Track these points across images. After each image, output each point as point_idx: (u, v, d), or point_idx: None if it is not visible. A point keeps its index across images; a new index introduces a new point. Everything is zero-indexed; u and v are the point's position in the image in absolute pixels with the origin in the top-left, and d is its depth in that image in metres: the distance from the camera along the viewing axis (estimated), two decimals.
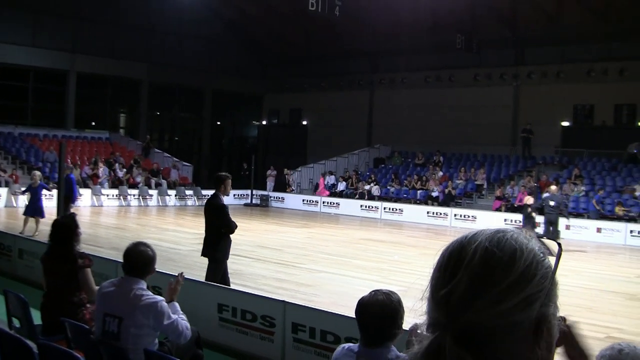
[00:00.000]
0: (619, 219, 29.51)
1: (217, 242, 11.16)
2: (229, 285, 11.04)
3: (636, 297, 15.12)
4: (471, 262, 1.31)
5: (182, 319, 6.07)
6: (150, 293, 5.98)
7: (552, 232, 23.21)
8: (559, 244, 1.50)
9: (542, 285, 1.32)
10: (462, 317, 1.29)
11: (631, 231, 28.20)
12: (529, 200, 25.71)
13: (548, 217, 23.53)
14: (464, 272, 1.31)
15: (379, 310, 3.91)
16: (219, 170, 48.07)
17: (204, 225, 11.34)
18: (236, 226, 11.25)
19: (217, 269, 11.15)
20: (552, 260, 1.38)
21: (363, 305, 4.03)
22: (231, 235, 11.25)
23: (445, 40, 38.37)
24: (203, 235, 11.37)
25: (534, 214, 24.15)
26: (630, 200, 30.62)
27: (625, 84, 36.33)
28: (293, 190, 40.99)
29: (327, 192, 39.14)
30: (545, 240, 1.45)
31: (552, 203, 23.56)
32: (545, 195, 24.90)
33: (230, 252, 11.41)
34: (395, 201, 36.51)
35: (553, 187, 25.68)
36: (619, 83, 36.54)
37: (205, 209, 11.47)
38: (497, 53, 40.51)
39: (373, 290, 4.15)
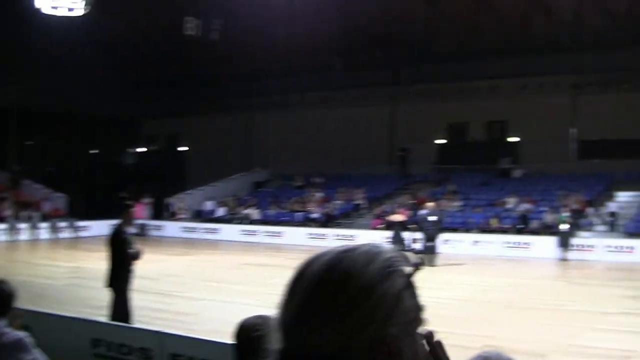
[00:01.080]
0: (493, 231, 30.32)
1: (120, 273, 10.88)
2: (132, 315, 10.88)
3: (511, 306, 15.47)
4: (303, 288, 1.29)
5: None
6: (10, 330, 5.65)
7: (429, 248, 23.67)
8: (421, 261, 1.39)
9: (381, 306, 1.26)
10: (293, 341, 1.27)
11: (505, 242, 29.04)
12: (398, 217, 25.99)
13: (426, 233, 23.94)
14: (297, 295, 1.29)
15: (255, 332, 3.79)
16: (94, 200, 46.76)
17: (108, 256, 11.12)
18: (139, 254, 11.13)
19: (122, 300, 10.92)
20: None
21: (241, 327, 3.93)
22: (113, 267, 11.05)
23: (322, 62, 38.65)
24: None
25: (405, 232, 24.50)
26: (503, 213, 31.56)
27: (496, 101, 37.52)
28: (184, 217, 40.04)
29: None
30: (409, 254, 1.35)
31: (432, 218, 24.01)
32: (422, 212, 25.33)
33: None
34: (275, 224, 36.32)
35: (431, 204, 26.26)
36: (490, 100, 37.68)
37: (109, 239, 11.20)
38: (374, 74, 41.00)
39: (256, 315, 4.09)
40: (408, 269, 1.33)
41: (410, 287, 1.32)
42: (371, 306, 1.25)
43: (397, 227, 25.06)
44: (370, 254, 1.30)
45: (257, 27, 37.52)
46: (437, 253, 24.00)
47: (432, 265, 22.88)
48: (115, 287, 11.01)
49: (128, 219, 11.09)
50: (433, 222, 24.04)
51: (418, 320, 1.33)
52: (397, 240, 24.72)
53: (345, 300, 1.24)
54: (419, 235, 25.00)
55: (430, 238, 23.89)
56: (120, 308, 10.71)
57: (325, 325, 1.24)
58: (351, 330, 1.24)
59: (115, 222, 11.96)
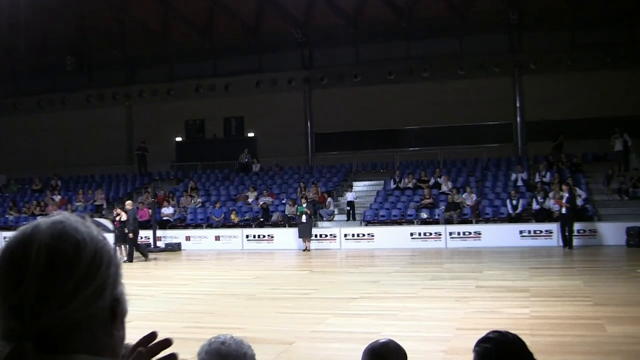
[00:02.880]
0: (235, 225, 30.28)
1: None
2: None
3: (255, 297, 15.27)
4: (37, 265, 1.24)
5: None
6: None
7: (138, 245, 25.28)
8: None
9: (109, 271, 1.31)
10: (37, 323, 1.22)
11: (247, 236, 29.10)
12: (124, 216, 25.38)
13: (124, 231, 24.65)
14: (31, 276, 1.24)
15: None
16: None
17: None
18: None
19: None
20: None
21: None
22: None
23: (55, 63, 37.17)
24: None
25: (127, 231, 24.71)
26: (244, 207, 31.60)
27: (232, 98, 37.68)
28: None
29: None
30: (99, 219, 1.09)
31: (124, 217, 24.77)
32: (128, 210, 25.40)
33: None
34: (15, 229, 33.85)
35: (129, 202, 26.41)
36: (226, 97, 37.78)
37: None
38: (108, 74, 40.13)
39: None
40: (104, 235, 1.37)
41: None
42: (105, 270, 1.30)
43: (121, 226, 24.72)
44: (80, 222, 1.34)
45: None
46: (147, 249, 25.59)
47: (130, 261, 24.22)
48: None
49: None
50: (132, 221, 24.78)
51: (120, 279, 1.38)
52: (121, 239, 24.66)
53: (85, 268, 1.27)
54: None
55: (121, 236, 24.65)
56: None
57: (73, 298, 1.24)
58: (96, 295, 1.27)
59: None
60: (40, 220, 1.35)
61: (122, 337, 1.37)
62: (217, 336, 2.88)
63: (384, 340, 3.58)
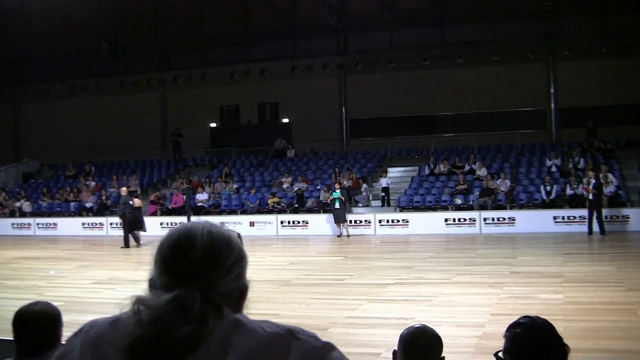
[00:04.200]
0: (270, 211, 30.40)
1: None
2: None
3: (289, 283, 15.38)
4: (202, 241, 1.67)
5: None
6: None
7: (135, 226, 25.65)
8: (239, 234, 1.82)
9: (245, 263, 1.77)
10: (202, 281, 1.64)
11: (282, 222, 29.22)
12: (136, 203, 26.21)
13: (123, 217, 25.44)
14: (199, 247, 1.66)
15: (38, 319, 3.69)
16: None
17: None
18: None
19: None
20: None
21: (20, 314, 3.75)
22: None
23: (90, 48, 37.35)
24: None
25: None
26: (279, 193, 31.72)
27: (267, 83, 37.74)
28: None
29: None
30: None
31: (130, 202, 25.45)
32: (121, 197, 26.30)
33: None
34: (49, 216, 34.49)
35: (124, 189, 27.29)
36: (261, 83, 37.85)
37: None
38: (143, 59, 40.31)
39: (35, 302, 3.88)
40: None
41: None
42: (244, 261, 1.77)
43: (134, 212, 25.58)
44: (216, 226, 1.77)
45: (19, 12, 35.31)
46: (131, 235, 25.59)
47: (127, 247, 25.09)
48: None
49: None
50: (130, 206, 25.37)
51: None
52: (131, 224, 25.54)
53: (236, 253, 1.73)
54: (119, 219, 26.53)
55: (130, 222, 25.37)
56: None
57: (228, 270, 1.69)
58: (239, 277, 1.73)
59: None
60: (196, 221, 1.77)
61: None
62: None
63: (419, 325, 3.64)
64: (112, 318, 1.70)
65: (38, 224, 33.77)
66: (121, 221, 26.02)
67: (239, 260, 1.73)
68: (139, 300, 1.63)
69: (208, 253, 1.66)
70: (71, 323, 3.57)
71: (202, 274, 1.64)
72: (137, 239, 25.64)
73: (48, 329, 3.75)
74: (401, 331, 3.63)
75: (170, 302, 1.59)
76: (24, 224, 34.05)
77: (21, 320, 3.72)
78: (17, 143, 44.54)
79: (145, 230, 26.09)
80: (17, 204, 35.78)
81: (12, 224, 34.22)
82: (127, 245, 25.29)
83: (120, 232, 26.53)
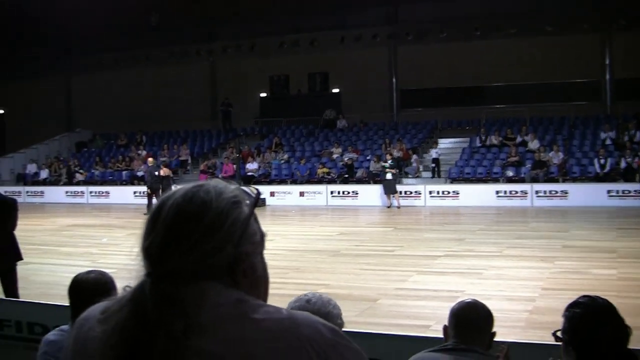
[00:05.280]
0: (319, 181, 30.43)
1: (13, 245, 9.53)
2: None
3: (339, 253, 15.42)
4: (166, 217, 1.48)
5: None
6: None
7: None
8: (257, 190, 1.60)
9: (233, 230, 1.48)
10: (162, 265, 1.46)
11: (332, 192, 29.23)
12: (163, 172, 26.92)
13: (152, 185, 26.25)
14: (160, 225, 1.48)
15: (92, 287, 3.87)
16: None
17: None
18: None
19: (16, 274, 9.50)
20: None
21: (76, 281, 3.98)
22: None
23: (140, 20, 37.51)
24: None
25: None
26: (329, 163, 31.73)
27: (317, 53, 37.60)
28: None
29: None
30: (246, 187, 1.59)
31: (155, 173, 26.45)
32: (145, 166, 27.79)
33: None
34: (101, 184, 35.08)
35: (151, 159, 28.39)
36: (310, 53, 37.72)
37: None
38: (192, 30, 40.31)
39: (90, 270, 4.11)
40: (250, 201, 1.56)
41: (253, 215, 1.56)
42: (227, 229, 1.47)
43: (160, 181, 26.37)
44: (218, 188, 1.53)
45: None
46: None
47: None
48: (14, 261, 9.66)
49: None
50: (155, 176, 26.37)
51: (263, 242, 1.59)
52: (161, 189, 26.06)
53: (205, 225, 1.46)
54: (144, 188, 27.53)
55: (155, 190, 25.89)
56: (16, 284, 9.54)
57: (191, 248, 1.45)
58: (213, 250, 1.46)
59: None
60: (190, 183, 1.56)
61: (252, 293, 1.52)
62: (304, 294, 2.97)
63: (470, 300, 3.62)
64: (101, 317, 1.56)
65: (91, 192, 34.32)
66: (147, 190, 26.89)
67: (212, 231, 1.46)
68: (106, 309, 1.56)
69: (168, 230, 1.47)
70: (124, 289, 3.82)
71: (160, 256, 1.47)
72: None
73: (102, 296, 3.79)
74: (451, 304, 3.62)
75: (129, 298, 1.50)
76: (77, 192, 34.64)
77: (77, 288, 3.89)
78: (70, 113, 45.15)
79: None
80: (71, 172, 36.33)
81: (66, 192, 34.86)
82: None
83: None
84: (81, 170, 36.34)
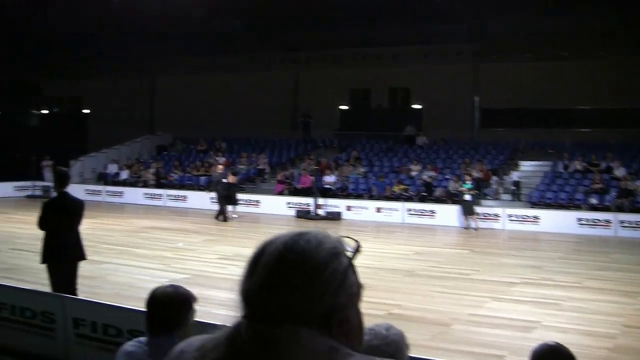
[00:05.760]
0: (396, 198, 30.18)
1: (78, 244, 9.95)
2: None
3: (414, 274, 15.25)
4: (267, 263, 1.53)
5: None
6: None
7: (230, 200, 27.96)
8: (357, 242, 1.59)
9: (332, 281, 1.51)
10: (260, 308, 1.50)
11: (408, 210, 28.93)
12: (230, 179, 28.45)
13: (218, 193, 27.71)
14: (260, 270, 1.53)
15: (166, 301, 4.01)
16: None
17: (69, 225, 9.89)
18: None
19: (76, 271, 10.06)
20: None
21: (154, 296, 4.09)
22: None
23: (226, 26, 37.99)
24: None
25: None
26: (407, 180, 31.47)
27: (399, 68, 37.45)
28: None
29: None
30: (346, 238, 1.61)
31: (224, 180, 27.78)
32: (215, 174, 29.53)
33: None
34: (179, 188, 35.49)
35: (220, 167, 30.06)
36: (393, 67, 37.60)
37: (69, 207, 9.90)
38: (277, 38, 40.62)
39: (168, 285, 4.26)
40: (350, 252, 1.58)
41: (352, 266, 1.58)
42: (325, 280, 1.51)
43: (228, 188, 27.97)
44: (319, 237, 1.56)
45: None
46: (227, 209, 27.81)
47: (225, 221, 27.09)
48: (81, 256, 10.03)
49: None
50: (224, 183, 27.66)
51: (359, 294, 1.62)
52: (226, 198, 27.71)
53: (305, 274, 1.50)
54: (213, 195, 28.73)
55: (223, 197, 27.47)
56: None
57: (289, 295, 1.49)
58: (311, 299, 1.49)
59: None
60: (290, 231, 1.60)
61: (345, 343, 1.53)
62: (376, 325, 2.93)
63: (553, 344, 3.45)
64: (197, 354, 1.61)
65: (168, 195, 34.77)
66: (215, 196, 27.93)
67: (310, 281, 1.51)
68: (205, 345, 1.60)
69: (268, 277, 1.52)
70: (196, 296, 4.02)
71: (258, 301, 1.52)
72: (225, 213, 27.63)
73: (180, 311, 4.02)
74: (527, 335, 3.49)
75: (225, 337, 1.55)
76: (155, 195, 35.14)
77: (155, 302, 4.00)
78: (152, 116, 45.97)
79: (236, 205, 28.54)
80: (150, 175, 36.87)
81: (144, 194, 35.39)
82: (221, 217, 27.45)
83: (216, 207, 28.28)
84: (173, 173, 36.82)
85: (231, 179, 28.30)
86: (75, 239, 9.97)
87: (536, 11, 34.22)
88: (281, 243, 1.54)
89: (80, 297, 9.29)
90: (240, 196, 31.54)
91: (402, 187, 30.62)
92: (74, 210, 9.95)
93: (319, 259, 1.51)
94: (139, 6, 36.39)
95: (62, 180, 10.02)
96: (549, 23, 34.26)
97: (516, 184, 29.89)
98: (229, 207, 27.96)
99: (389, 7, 36.30)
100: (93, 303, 8.63)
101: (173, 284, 4.23)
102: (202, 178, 35.67)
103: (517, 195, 29.57)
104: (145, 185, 36.24)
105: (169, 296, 4.01)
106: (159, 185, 35.89)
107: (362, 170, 33.34)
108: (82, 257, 10.10)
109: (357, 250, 1.59)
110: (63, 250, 9.80)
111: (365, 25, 37.70)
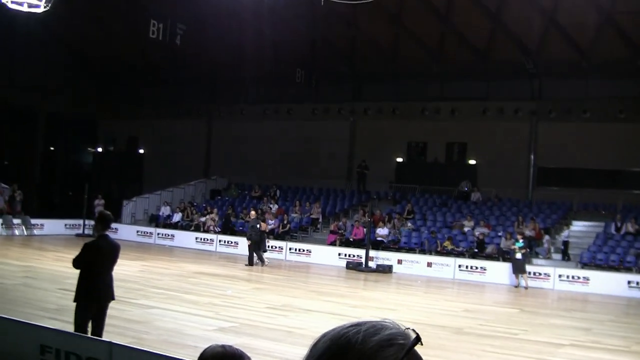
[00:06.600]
0: (448, 253, 30.34)
1: (111, 285, 10.34)
2: None
3: (462, 332, 15.42)
4: (317, 349, 1.54)
5: None
6: None
7: (260, 246, 28.66)
8: (416, 333, 1.52)
9: None
10: None
11: (459, 266, 29.07)
12: (262, 226, 29.55)
13: (251, 238, 28.44)
14: (310, 356, 1.55)
15: None
16: (50, 198, 45.88)
17: (105, 267, 10.30)
18: None
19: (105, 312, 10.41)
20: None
21: (201, 357, 3.80)
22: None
23: (285, 74, 38.57)
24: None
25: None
26: (459, 236, 31.62)
27: (457, 123, 37.68)
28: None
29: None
30: (408, 330, 1.54)
31: (257, 226, 28.56)
32: (249, 220, 30.37)
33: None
34: (231, 234, 35.88)
35: (253, 213, 30.57)
36: (450, 122, 37.85)
37: (107, 250, 10.28)
38: (335, 88, 41.10)
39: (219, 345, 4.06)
40: (407, 343, 1.50)
41: (408, 357, 1.48)
42: None
43: (260, 234, 28.89)
44: (374, 329, 1.52)
45: (221, 35, 37.40)
46: (262, 254, 28.74)
47: (259, 264, 28.07)
48: (113, 296, 10.47)
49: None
50: (256, 229, 28.38)
51: None
52: (257, 244, 28.47)
53: None
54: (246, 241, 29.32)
55: (257, 242, 28.36)
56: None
57: None
58: None
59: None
60: (343, 324, 1.58)
61: None
62: None
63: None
64: None
65: (220, 240, 35.21)
66: (248, 242, 28.65)
67: None
68: None
69: None
70: (243, 346, 4.11)
71: None
72: (261, 259, 28.48)
73: None
74: None
75: None
76: (207, 239, 35.61)
77: None
78: (208, 160, 46.65)
79: (265, 251, 29.41)
80: (202, 219, 37.46)
81: (196, 238, 35.89)
82: (250, 263, 28.16)
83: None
84: (244, 219, 37.17)
85: (263, 226, 29.47)
86: (109, 281, 10.33)
87: (590, 76, 34.46)
88: (336, 331, 1.55)
89: (126, 343, 9.38)
90: (291, 245, 32.07)
91: (450, 244, 30.73)
92: (111, 253, 10.32)
93: (362, 351, 1.48)
94: (199, 50, 37.50)
95: (104, 223, 10.36)
96: (605, 86, 34.39)
97: (565, 243, 29.87)
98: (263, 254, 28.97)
99: (449, 62, 36.83)
100: (140, 351, 8.62)
101: (224, 344, 4.06)
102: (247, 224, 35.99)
103: (566, 254, 29.53)
104: (205, 230, 36.65)
105: (220, 356, 3.84)
106: (224, 231, 36.16)
107: (415, 224, 33.52)
108: (112, 297, 10.51)
109: (415, 342, 1.52)
110: (96, 291, 10.10)
111: (425, 78, 38.20)
